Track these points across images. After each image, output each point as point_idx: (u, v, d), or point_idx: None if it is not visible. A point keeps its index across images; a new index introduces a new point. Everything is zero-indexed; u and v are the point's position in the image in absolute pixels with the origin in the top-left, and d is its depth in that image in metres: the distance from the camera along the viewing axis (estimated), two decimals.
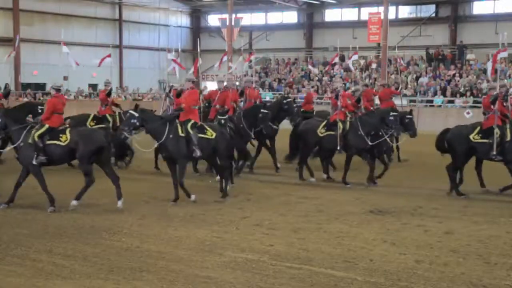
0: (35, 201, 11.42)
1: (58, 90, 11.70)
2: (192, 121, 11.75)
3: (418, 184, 13.72)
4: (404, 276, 7.22)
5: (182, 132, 11.58)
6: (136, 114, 11.60)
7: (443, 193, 12.63)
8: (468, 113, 28.44)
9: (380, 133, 13.42)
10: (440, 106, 30.82)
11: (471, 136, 12.27)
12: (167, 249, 8.38)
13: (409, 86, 32.77)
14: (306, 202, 11.81)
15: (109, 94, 17.08)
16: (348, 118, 13.78)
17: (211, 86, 30.55)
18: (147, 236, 9.08)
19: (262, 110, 14.68)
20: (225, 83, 15.79)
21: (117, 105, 17.20)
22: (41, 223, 9.86)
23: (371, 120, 13.51)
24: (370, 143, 13.35)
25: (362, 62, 37.86)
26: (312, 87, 35.49)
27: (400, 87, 18.79)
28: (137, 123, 11.56)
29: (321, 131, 13.94)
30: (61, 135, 11.02)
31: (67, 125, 11.56)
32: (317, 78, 37.09)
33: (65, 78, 38.64)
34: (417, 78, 33.51)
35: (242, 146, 14.18)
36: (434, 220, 10.19)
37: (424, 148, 16.48)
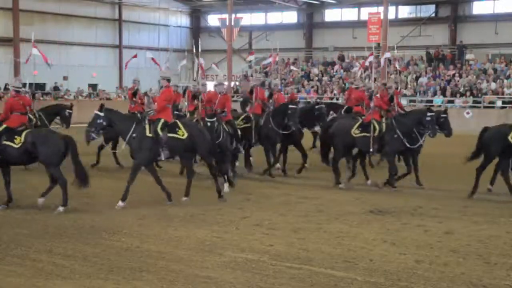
0: (35, 201, 11.41)
1: (17, 91, 11.68)
2: (163, 120, 11.47)
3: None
4: (404, 276, 7.22)
5: (150, 133, 11.36)
6: (102, 114, 11.43)
7: (443, 193, 12.63)
8: (468, 113, 28.47)
9: (414, 135, 13.07)
10: (440, 106, 30.81)
11: (509, 136, 11.96)
12: (167, 249, 8.37)
13: (409, 86, 32.80)
14: (306, 202, 11.80)
15: (134, 93, 17.09)
16: (383, 120, 13.44)
17: (210, 86, 30.43)
18: (147, 236, 9.08)
19: (290, 106, 14.40)
20: (252, 83, 15.65)
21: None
22: (41, 223, 9.86)
23: (407, 121, 13.13)
24: (408, 146, 13.00)
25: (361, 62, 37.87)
26: (312, 87, 35.71)
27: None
28: (104, 123, 11.44)
29: (355, 132, 13.53)
30: (16, 137, 10.91)
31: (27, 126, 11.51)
32: (317, 78, 37.12)
33: (65, 78, 38.69)
34: (417, 78, 33.55)
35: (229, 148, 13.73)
36: (434, 220, 10.19)
37: (423, 148, 16.46)
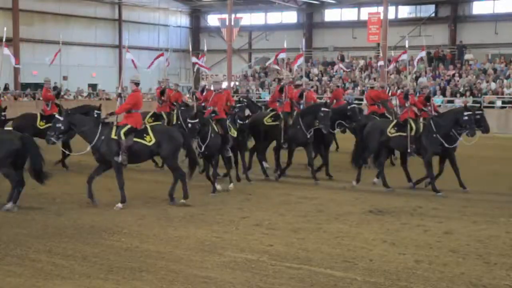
0: (35, 201, 11.43)
1: None
2: (128, 127, 11.30)
3: (417, 184, 13.66)
4: (404, 276, 7.22)
5: (114, 135, 11.21)
6: (61, 118, 11.34)
7: (443, 193, 12.61)
8: None
9: (452, 134, 12.73)
10: (439, 106, 30.79)
11: None
12: (166, 249, 8.37)
13: (409, 86, 32.79)
14: (305, 202, 11.80)
15: (162, 92, 17.11)
16: (420, 119, 13.13)
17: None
18: (147, 236, 9.08)
19: (323, 109, 13.95)
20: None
21: (174, 104, 17.16)
22: (40, 223, 9.86)
23: (444, 122, 12.79)
24: (447, 146, 12.65)
25: (361, 62, 37.91)
26: (312, 87, 35.68)
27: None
28: (63, 128, 11.33)
29: (390, 131, 13.17)
30: None
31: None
32: (316, 78, 37.12)
33: (65, 78, 38.66)
34: (416, 78, 33.54)
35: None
36: (434, 220, 10.19)
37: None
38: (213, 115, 12.88)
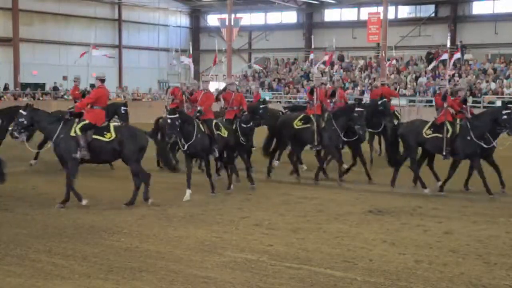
0: (35, 201, 11.43)
1: None
2: (86, 122, 11.19)
3: (417, 184, 13.66)
4: (404, 276, 7.23)
5: (73, 132, 11.10)
6: (24, 113, 11.24)
7: (443, 193, 12.62)
8: None
9: (485, 137, 12.42)
10: None
11: None
12: (166, 249, 8.38)
13: (409, 86, 32.81)
14: (305, 202, 11.80)
15: (191, 95, 17.04)
16: (457, 121, 12.84)
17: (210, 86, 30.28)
18: (147, 236, 9.08)
19: (357, 109, 13.70)
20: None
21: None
22: (40, 223, 9.86)
23: (483, 123, 12.49)
24: (485, 146, 12.36)
25: (361, 62, 37.91)
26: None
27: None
28: (25, 122, 11.21)
29: (427, 132, 12.88)
30: None
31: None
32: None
33: (65, 78, 38.70)
34: (416, 78, 33.55)
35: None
36: (434, 220, 10.20)
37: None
38: (198, 114, 12.48)
